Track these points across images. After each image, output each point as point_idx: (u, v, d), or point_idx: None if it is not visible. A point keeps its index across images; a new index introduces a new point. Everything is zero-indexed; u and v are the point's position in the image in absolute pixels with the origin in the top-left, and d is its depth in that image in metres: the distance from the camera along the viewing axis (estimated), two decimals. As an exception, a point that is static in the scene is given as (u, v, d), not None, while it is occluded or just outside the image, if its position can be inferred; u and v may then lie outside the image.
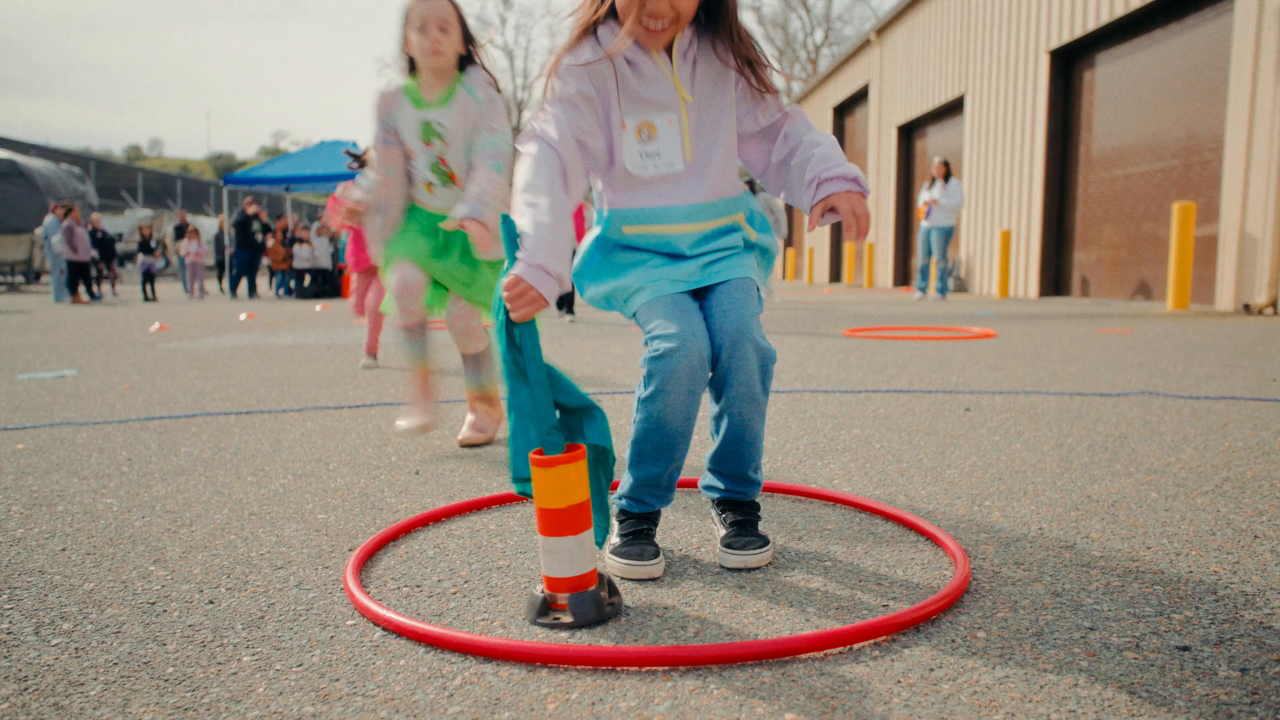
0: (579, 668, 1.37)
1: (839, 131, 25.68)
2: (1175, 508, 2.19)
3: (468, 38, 2.97)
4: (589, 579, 1.52)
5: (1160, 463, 2.67)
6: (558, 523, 1.50)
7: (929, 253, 13.15)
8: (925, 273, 13.35)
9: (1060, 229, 13.93)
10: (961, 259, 16.80)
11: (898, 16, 20.18)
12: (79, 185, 28.15)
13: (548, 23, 51.86)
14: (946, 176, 12.84)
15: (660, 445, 1.79)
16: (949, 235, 12.96)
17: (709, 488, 1.95)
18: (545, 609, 1.55)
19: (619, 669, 1.36)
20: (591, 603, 1.50)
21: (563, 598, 1.53)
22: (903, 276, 20.59)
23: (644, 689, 1.30)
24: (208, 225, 29.80)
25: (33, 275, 26.32)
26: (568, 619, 1.51)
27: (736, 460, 1.87)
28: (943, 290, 13.17)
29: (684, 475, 2.66)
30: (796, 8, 48.78)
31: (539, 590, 1.57)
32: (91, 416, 3.84)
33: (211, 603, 1.67)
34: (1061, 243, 13.95)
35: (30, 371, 5.35)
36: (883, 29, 21.11)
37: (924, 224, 13.00)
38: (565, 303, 10.14)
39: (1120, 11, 11.59)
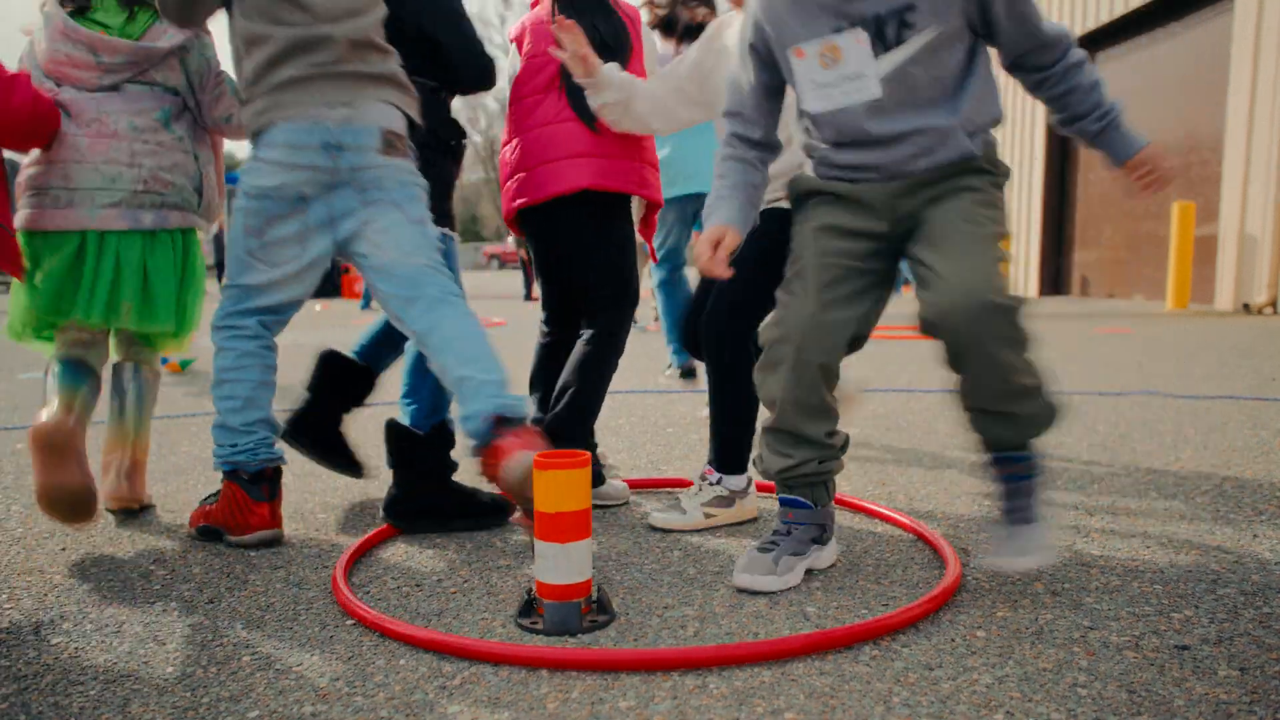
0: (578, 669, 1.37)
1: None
2: (1175, 508, 2.19)
3: None
4: (573, 590, 1.51)
5: (1160, 463, 2.67)
6: (545, 527, 1.50)
7: None
8: None
9: (1060, 229, 13.91)
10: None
11: (898, 16, 20.13)
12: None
13: (547, 23, 51.66)
14: None
15: None
16: None
17: None
18: (528, 609, 1.56)
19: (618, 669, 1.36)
20: (566, 614, 1.50)
21: (542, 602, 1.53)
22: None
23: (644, 689, 1.30)
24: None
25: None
26: (539, 625, 1.51)
27: None
28: None
29: (663, 475, 2.65)
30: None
31: (530, 589, 1.58)
32: (91, 416, 3.83)
33: (211, 603, 1.67)
34: (1061, 242, 13.93)
35: (31, 371, 5.35)
36: (883, 29, 21.07)
37: None
38: None
39: (1120, 11, 11.58)
